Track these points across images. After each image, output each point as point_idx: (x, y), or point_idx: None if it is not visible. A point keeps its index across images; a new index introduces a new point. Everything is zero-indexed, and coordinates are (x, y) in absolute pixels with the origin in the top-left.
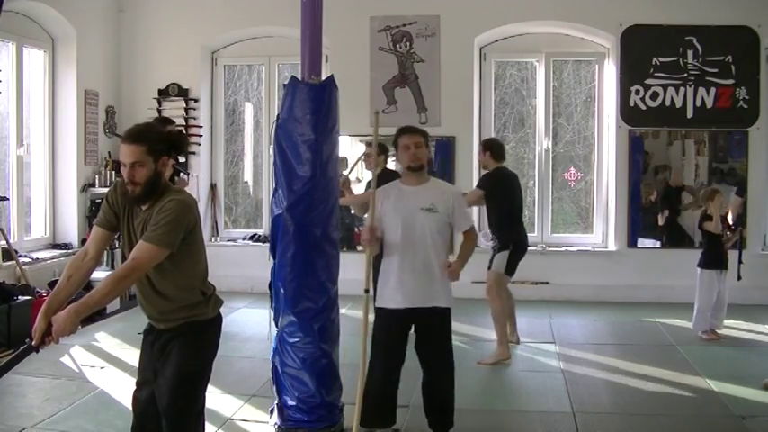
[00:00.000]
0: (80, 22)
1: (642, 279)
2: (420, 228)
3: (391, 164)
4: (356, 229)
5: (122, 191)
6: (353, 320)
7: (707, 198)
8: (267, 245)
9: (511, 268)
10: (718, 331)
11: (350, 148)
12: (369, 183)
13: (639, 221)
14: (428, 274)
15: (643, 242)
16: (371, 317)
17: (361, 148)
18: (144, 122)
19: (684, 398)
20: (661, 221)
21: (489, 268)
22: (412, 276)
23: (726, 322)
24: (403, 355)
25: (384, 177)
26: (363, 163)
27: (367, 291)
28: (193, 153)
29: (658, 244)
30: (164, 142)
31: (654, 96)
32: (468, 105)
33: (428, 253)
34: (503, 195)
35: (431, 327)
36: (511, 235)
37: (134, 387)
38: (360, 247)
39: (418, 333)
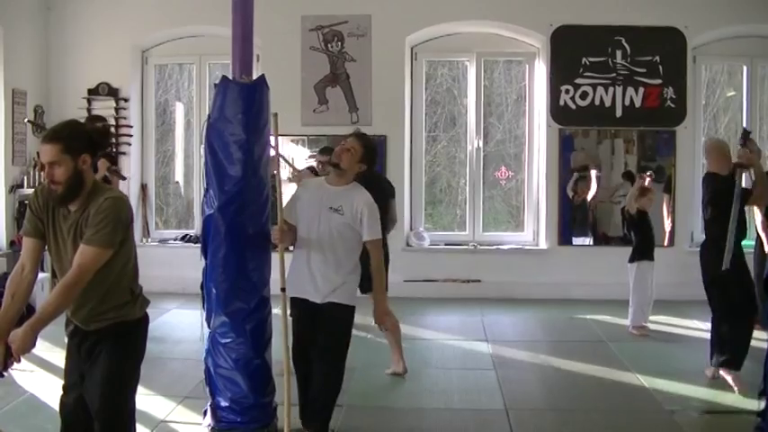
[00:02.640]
0: (6, 19)
1: (573, 276)
2: (327, 227)
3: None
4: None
5: (45, 195)
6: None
7: (641, 194)
8: (198, 245)
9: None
10: (647, 325)
11: (281, 147)
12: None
13: (570, 220)
14: (332, 271)
15: (575, 240)
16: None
17: (293, 147)
18: (64, 121)
19: (616, 393)
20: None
21: None
22: (318, 269)
23: (654, 318)
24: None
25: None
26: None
27: (284, 290)
28: (124, 153)
29: (589, 241)
30: (81, 139)
31: (583, 96)
32: (400, 105)
33: (330, 250)
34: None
35: (323, 322)
36: None
37: (61, 392)
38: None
39: (321, 326)
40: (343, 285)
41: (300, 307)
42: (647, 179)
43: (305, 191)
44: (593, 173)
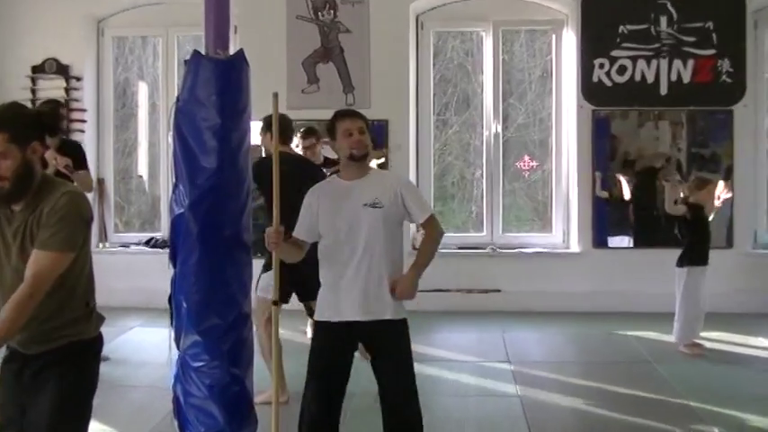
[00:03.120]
0: None
1: (610, 284)
2: (365, 227)
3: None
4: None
5: None
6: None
7: (697, 187)
8: (166, 251)
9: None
10: (701, 343)
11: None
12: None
13: (606, 217)
14: (376, 282)
15: (612, 241)
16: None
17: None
18: (5, 104)
19: (665, 426)
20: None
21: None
22: (356, 285)
23: (709, 334)
24: (343, 380)
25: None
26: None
27: (276, 303)
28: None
29: (629, 242)
30: (29, 125)
31: (621, 71)
32: (404, 84)
33: (375, 257)
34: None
35: (383, 342)
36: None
37: None
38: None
39: (369, 349)
40: (387, 294)
41: (335, 331)
42: (675, 181)
43: (318, 198)
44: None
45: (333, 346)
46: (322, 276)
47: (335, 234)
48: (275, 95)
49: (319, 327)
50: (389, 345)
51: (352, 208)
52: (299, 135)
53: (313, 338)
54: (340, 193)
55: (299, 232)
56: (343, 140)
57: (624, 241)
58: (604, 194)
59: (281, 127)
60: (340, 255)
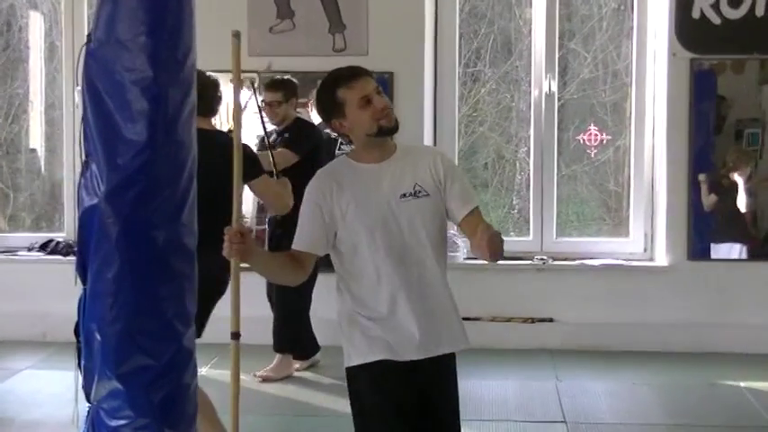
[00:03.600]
0: None
1: (715, 313)
2: (408, 227)
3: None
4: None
5: None
6: (225, 388)
7: None
8: (72, 259)
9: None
10: None
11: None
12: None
13: (709, 217)
14: (432, 301)
15: (717, 250)
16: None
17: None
18: None
19: None
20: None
21: None
22: (410, 307)
23: None
24: None
25: (297, 133)
26: (266, 115)
27: (236, 336)
28: None
29: (741, 252)
30: None
31: (734, 2)
32: (416, 21)
33: (426, 265)
34: None
35: (439, 387)
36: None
37: None
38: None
39: (432, 403)
40: (457, 317)
41: (396, 375)
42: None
43: (338, 190)
44: None
45: (391, 395)
46: (349, 300)
47: (363, 239)
48: (236, 35)
49: (359, 377)
50: (445, 386)
51: (385, 202)
52: (262, 89)
53: (359, 393)
54: (363, 183)
55: (301, 243)
56: (362, 112)
57: (735, 250)
58: (711, 201)
59: (198, 93)
60: (372, 266)
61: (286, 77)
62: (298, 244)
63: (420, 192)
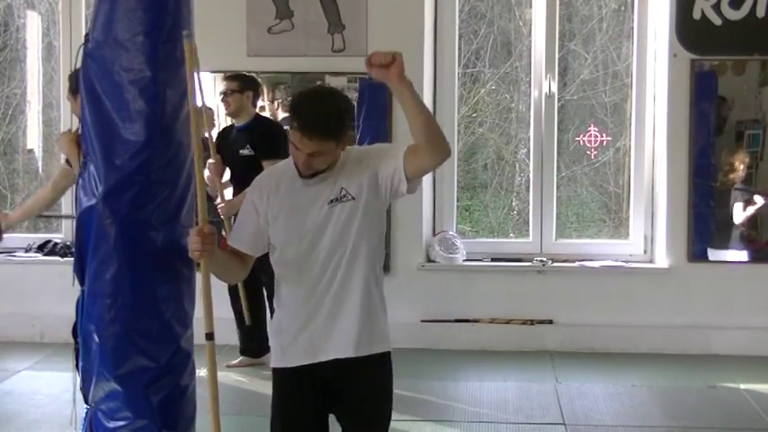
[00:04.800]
0: None
1: (715, 315)
2: (329, 233)
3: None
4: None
5: None
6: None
7: None
8: (69, 260)
9: None
10: None
11: (214, 93)
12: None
13: (710, 219)
14: (350, 307)
15: (716, 252)
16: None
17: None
18: None
19: None
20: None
21: None
22: (321, 314)
23: None
24: None
25: (269, 138)
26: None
27: (210, 336)
28: None
29: (741, 254)
30: None
31: (735, 3)
32: (415, 20)
33: (347, 272)
34: None
35: (359, 390)
36: None
37: None
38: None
39: (339, 404)
40: (377, 322)
41: (300, 378)
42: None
43: (273, 194)
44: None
45: (293, 398)
46: (277, 302)
47: (289, 244)
48: (187, 35)
49: (276, 375)
50: (366, 387)
51: (317, 209)
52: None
53: (274, 389)
54: (297, 188)
55: (238, 241)
56: (291, 149)
57: (734, 253)
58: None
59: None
60: (296, 273)
61: (250, 74)
62: (232, 240)
63: (345, 196)
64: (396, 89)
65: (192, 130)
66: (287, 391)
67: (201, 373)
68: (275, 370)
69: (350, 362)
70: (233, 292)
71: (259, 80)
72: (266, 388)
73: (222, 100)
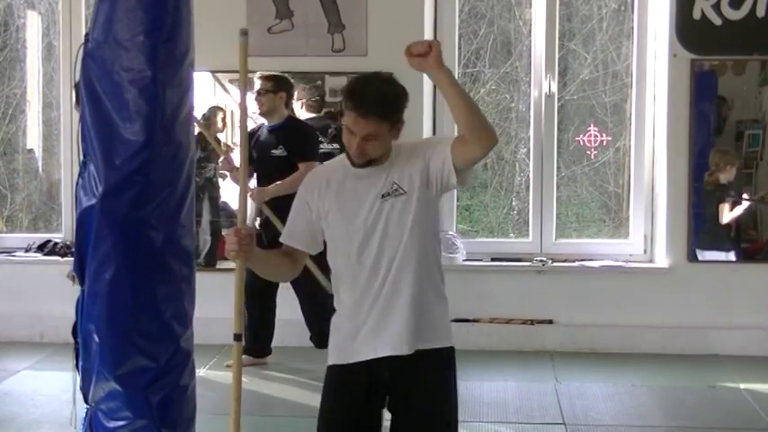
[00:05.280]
0: None
1: (715, 315)
2: (381, 228)
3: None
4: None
5: None
6: (223, 389)
7: None
8: (69, 260)
9: None
10: None
11: (214, 92)
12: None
13: (709, 219)
14: (402, 303)
15: (716, 254)
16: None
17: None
18: None
19: None
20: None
21: None
22: (375, 310)
23: None
24: None
25: (287, 132)
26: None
27: (239, 337)
28: None
29: (741, 255)
30: None
31: (735, 2)
32: (416, 20)
33: (399, 267)
34: None
35: (417, 387)
36: None
37: None
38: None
39: (397, 403)
40: (437, 317)
41: (356, 375)
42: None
43: (326, 188)
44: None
45: (346, 395)
46: (336, 300)
47: (341, 240)
48: (244, 33)
49: (329, 374)
50: (426, 383)
51: (368, 204)
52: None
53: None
54: (349, 183)
55: (291, 238)
56: (345, 134)
57: (735, 253)
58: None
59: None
60: (348, 269)
61: (284, 75)
62: (285, 238)
63: (397, 190)
64: (434, 76)
65: (241, 129)
66: (334, 387)
67: (201, 372)
68: (328, 368)
69: (403, 359)
70: (254, 290)
71: (290, 79)
72: (267, 388)
73: (255, 99)
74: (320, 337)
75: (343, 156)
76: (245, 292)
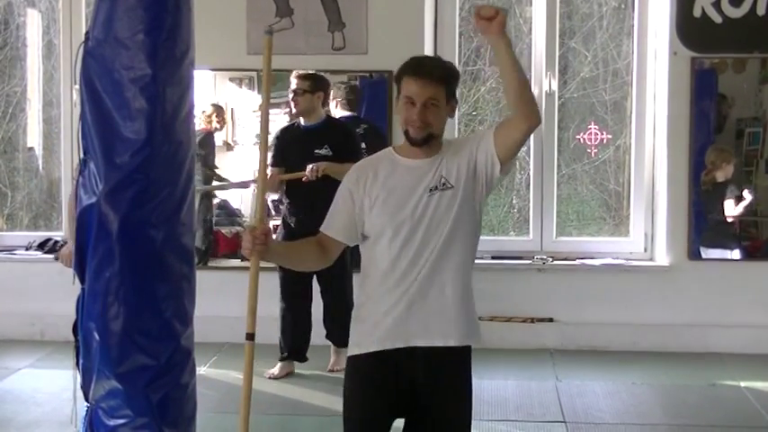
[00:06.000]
0: None
1: (715, 313)
2: (427, 221)
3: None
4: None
5: None
6: (223, 387)
7: None
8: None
9: None
10: None
11: (214, 91)
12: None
13: (710, 217)
14: (437, 296)
15: (717, 251)
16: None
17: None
18: None
19: None
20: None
21: None
22: (410, 301)
23: None
24: None
25: (324, 132)
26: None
27: (251, 336)
28: None
29: (741, 253)
30: None
31: (736, 0)
32: (416, 18)
33: (438, 260)
34: None
35: (436, 381)
36: None
37: None
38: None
39: (422, 394)
40: (465, 316)
41: (382, 363)
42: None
43: (373, 180)
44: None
45: (371, 384)
46: (363, 290)
47: (383, 231)
48: (269, 32)
49: (352, 364)
50: (441, 385)
51: (416, 198)
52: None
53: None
54: (396, 175)
55: (331, 228)
56: (403, 109)
57: (735, 251)
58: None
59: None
60: (387, 260)
61: (322, 75)
62: (325, 227)
63: (445, 184)
64: (494, 41)
65: (261, 128)
66: (359, 377)
67: (202, 371)
68: (349, 359)
69: (427, 351)
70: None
71: (327, 79)
72: (265, 386)
73: (292, 99)
74: (342, 333)
75: (389, 149)
76: (284, 297)
